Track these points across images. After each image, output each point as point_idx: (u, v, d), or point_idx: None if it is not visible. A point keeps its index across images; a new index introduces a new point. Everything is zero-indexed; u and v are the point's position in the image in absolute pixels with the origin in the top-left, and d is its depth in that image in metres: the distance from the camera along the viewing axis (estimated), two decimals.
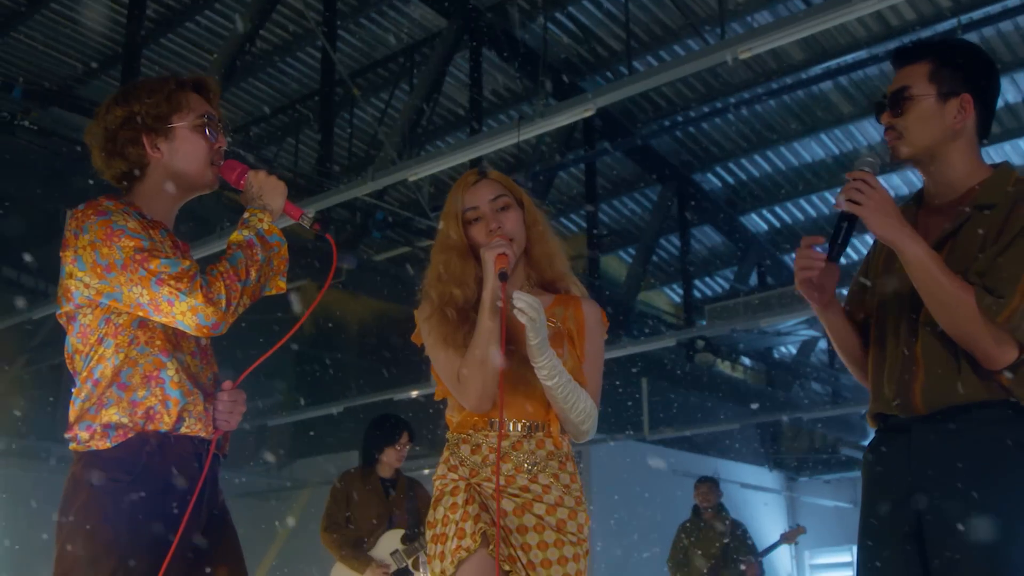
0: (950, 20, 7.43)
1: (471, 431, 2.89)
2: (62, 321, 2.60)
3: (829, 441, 12.09)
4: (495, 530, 2.73)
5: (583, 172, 9.61)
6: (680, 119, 9.18)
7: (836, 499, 13.31)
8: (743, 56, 5.18)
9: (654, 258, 10.56)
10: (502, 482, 2.79)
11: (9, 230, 7.65)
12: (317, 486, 11.27)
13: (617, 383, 10.04)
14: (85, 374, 2.53)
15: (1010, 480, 2.42)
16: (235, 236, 2.63)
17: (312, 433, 11.57)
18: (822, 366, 12.13)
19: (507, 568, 2.73)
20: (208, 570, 2.61)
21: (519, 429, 2.87)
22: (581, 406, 2.85)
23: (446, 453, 2.95)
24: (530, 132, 5.57)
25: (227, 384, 2.67)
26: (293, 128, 9.58)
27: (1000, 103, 3.57)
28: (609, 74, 8.84)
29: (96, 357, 2.52)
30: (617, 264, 10.59)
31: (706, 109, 9.00)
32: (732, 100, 8.83)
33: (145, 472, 2.47)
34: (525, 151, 9.32)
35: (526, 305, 2.64)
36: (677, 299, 11.54)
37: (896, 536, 2.54)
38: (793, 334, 10.66)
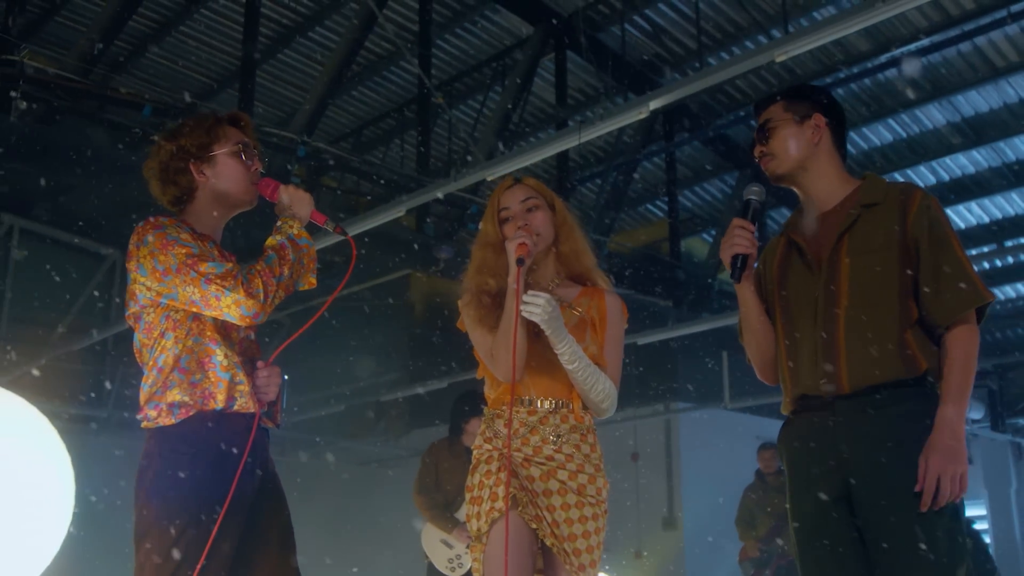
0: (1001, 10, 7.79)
1: (504, 407, 3.21)
2: (130, 322, 2.96)
3: None
4: (524, 494, 3.06)
5: (665, 161, 10.16)
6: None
7: None
8: (780, 59, 5.63)
9: None
10: (530, 452, 3.14)
11: None
12: None
13: (700, 356, 10.61)
14: (151, 363, 2.89)
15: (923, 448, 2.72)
16: (270, 240, 3.00)
17: (425, 406, 12.14)
18: None
19: (534, 526, 3.04)
20: (261, 524, 2.97)
21: (546, 405, 3.18)
22: (600, 387, 3.17)
23: (483, 426, 3.31)
24: (591, 134, 6.05)
25: (260, 364, 3.03)
26: (399, 130, 10.19)
27: None
28: (689, 71, 9.34)
29: (159, 348, 2.87)
30: (700, 245, 10.99)
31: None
32: None
33: (205, 444, 2.83)
34: (611, 143, 9.97)
35: (533, 303, 2.98)
36: None
37: (829, 501, 2.82)
38: None
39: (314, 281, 3.07)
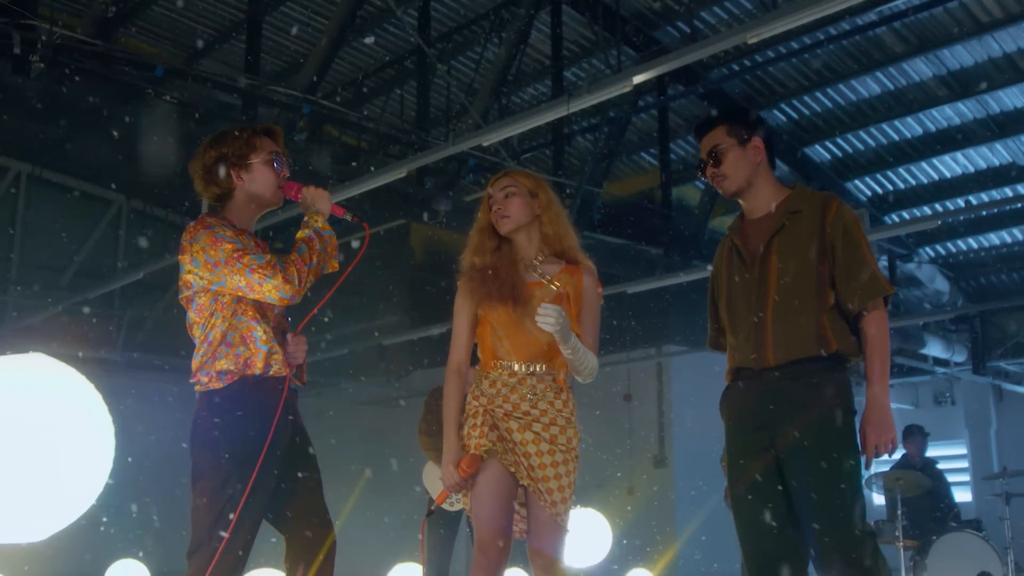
0: None
1: (490, 370, 3.73)
2: (183, 303, 3.46)
3: (891, 350, 12.69)
4: (503, 443, 3.60)
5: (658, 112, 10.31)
6: (748, 63, 9.80)
7: (898, 402, 14.31)
8: (752, 41, 5.75)
9: None
10: (510, 408, 3.64)
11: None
12: None
13: (691, 301, 10.86)
14: (202, 338, 3.40)
15: (832, 411, 3.33)
16: (299, 234, 3.48)
17: (424, 350, 12.53)
18: None
19: (513, 470, 3.58)
20: (293, 467, 3.48)
21: (524, 369, 3.68)
22: (589, 364, 3.68)
23: (472, 385, 3.78)
24: (579, 105, 6.32)
25: (290, 335, 3.53)
26: (399, 81, 10.38)
27: None
28: (680, 24, 9.39)
29: (209, 326, 3.38)
30: (693, 193, 11.16)
31: (771, 54, 9.54)
32: (795, 46, 9.34)
33: (247, 404, 3.34)
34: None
35: (547, 315, 3.39)
36: None
37: (757, 451, 3.41)
38: None
39: (336, 265, 3.58)
